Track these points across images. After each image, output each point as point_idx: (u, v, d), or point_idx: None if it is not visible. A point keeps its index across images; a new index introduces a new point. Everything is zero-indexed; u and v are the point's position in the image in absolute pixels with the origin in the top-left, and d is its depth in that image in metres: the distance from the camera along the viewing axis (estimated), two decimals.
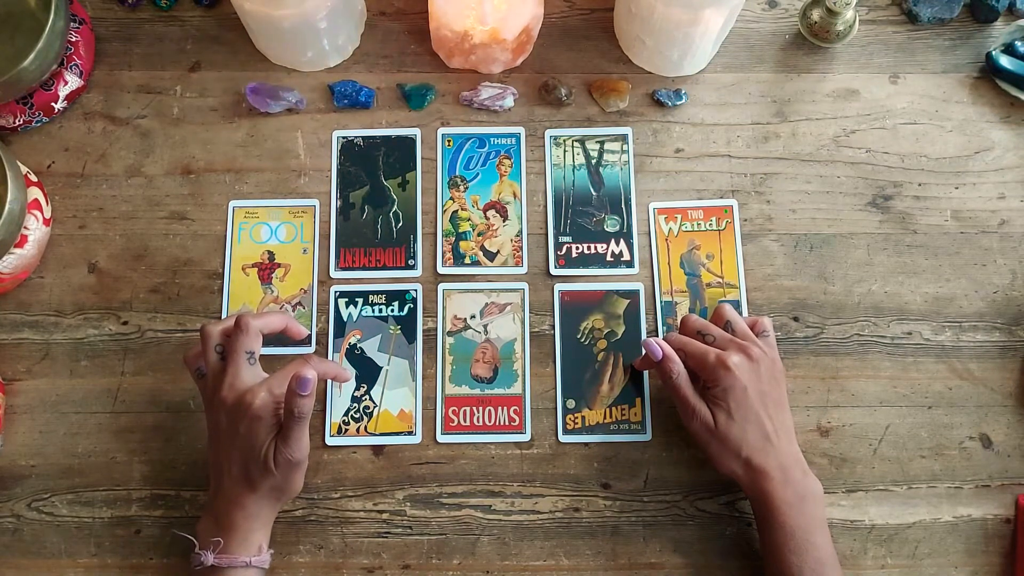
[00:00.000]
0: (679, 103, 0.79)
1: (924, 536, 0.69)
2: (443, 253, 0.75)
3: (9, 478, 0.69)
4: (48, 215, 0.73)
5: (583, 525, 0.69)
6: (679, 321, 0.70)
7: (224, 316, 0.73)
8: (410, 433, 0.70)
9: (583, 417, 0.71)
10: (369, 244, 0.75)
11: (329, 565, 0.68)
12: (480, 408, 0.71)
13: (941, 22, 0.81)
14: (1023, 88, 0.78)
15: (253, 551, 0.60)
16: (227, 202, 0.76)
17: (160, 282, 0.74)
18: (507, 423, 0.71)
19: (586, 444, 0.70)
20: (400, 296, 0.73)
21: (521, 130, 0.78)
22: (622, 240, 0.75)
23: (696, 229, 0.76)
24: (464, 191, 0.76)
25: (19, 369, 0.72)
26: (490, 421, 0.71)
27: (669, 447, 0.70)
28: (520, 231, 0.75)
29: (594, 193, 0.76)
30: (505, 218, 0.76)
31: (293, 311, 0.73)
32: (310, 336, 0.72)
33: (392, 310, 0.73)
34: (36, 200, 0.72)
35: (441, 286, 0.74)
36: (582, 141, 0.78)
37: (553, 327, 0.73)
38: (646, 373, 0.72)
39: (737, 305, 0.73)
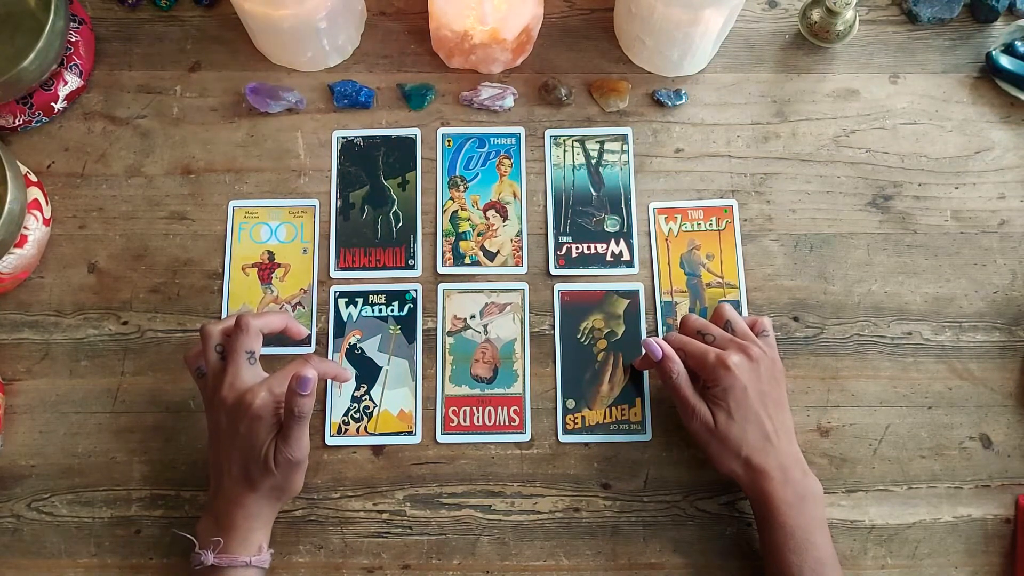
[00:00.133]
0: (679, 103, 0.79)
1: (924, 536, 0.69)
2: (443, 253, 0.75)
3: (9, 478, 0.69)
4: (48, 215, 0.73)
5: (583, 525, 0.69)
6: (679, 321, 0.70)
7: (224, 316, 0.73)
8: (410, 433, 0.70)
9: (583, 417, 0.71)
10: (369, 244, 0.75)
11: (329, 565, 0.68)
12: (480, 408, 0.71)
13: (941, 22, 0.81)
14: (1023, 88, 0.78)
15: (253, 551, 0.60)
16: (227, 202, 0.76)
17: (160, 282, 0.74)
18: (507, 423, 0.71)
19: (586, 444, 0.70)
20: (400, 296, 0.73)
21: (521, 130, 0.78)
22: (622, 240, 0.75)
23: (696, 229, 0.76)
24: (464, 191, 0.76)
25: (19, 369, 0.72)
26: (490, 421, 0.71)
27: (669, 447, 0.70)
28: (520, 231, 0.75)
29: (594, 193, 0.76)
30: (505, 218, 0.76)
31: (293, 311, 0.73)
32: (310, 336, 0.72)
33: (392, 310, 0.73)
34: (36, 200, 0.72)
35: (441, 286, 0.74)
36: (582, 141, 0.78)
37: (553, 327, 0.73)
38: (646, 373, 0.72)
39: (737, 305, 0.73)
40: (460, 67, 0.80)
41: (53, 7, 0.71)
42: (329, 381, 0.71)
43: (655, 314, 0.74)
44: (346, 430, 0.70)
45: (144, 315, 0.73)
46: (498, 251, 0.75)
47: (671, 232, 0.76)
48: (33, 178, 0.73)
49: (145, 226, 0.75)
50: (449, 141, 0.78)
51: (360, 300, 0.73)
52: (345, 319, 0.73)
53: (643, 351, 0.67)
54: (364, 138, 0.78)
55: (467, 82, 0.79)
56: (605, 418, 0.71)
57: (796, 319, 0.74)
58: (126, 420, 0.71)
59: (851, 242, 0.75)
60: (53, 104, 0.76)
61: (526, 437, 0.70)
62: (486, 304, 0.73)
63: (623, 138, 0.78)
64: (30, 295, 0.73)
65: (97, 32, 0.80)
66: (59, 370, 0.72)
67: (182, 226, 0.75)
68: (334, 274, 0.74)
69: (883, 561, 0.68)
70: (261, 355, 0.62)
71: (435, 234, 0.75)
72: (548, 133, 0.78)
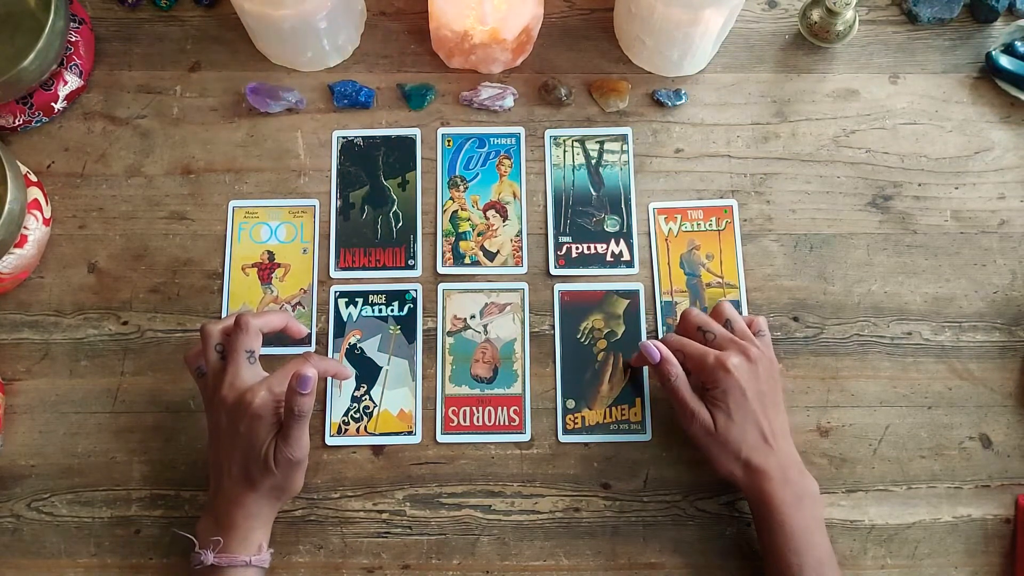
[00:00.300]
0: (679, 103, 0.79)
1: (924, 536, 0.69)
2: (443, 253, 0.75)
3: (9, 478, 0.69)
4: (48, 215, 0.73)
5: (583, 525, 0.69)
6: (679, 317, 0.70)
7: (224, 316, 0.73)
8: (410, 433, 0.70)
9: (583, 417, 0.71)
10: (369, 244, 0.75)
11: (329, 565, 0.68)
12: (480, 408, 0.71)
13: (941, 22, 0.81)
14: (1023, 88, 0.78)
15: (253, 550, 0.60)
16: (227, 202, 0.76)
17: (160, 282, 0.74)
18: (507, 423, 0.71)
19: (586, 444, 0.70)
20: (400, 296, 0.73)
21: (521, 130, 0.78)
22: (622, 240, 0.75)
23: (696, 229, 0.76)
24: (464, 191, 0.76)
25: (19, 369, 0.72)
26: (490, 421, 0.71)
27: (669, 447, 0.70)
28: (520, 231, 0.75)
29: (594, 193, 0.76)
30: (505, 218, 0.76)
31: (293, 311, 0.73)
32: (310, 335, 0.72)
33: (392, 310, 0.73)
34: (36, 200, 0.72)
35: (441, 286, 0.74)
36: (582, 141, 0.78)
37: (553, 327, 0.73)
38: (645, 372, 0.72)
39: (737, 305, 0.73)
40: (460, 67, 0.80)
41: (53, 7, 0.71)
42: (329, 381, 0.71)
43: (655, 314, 0.74)
44: (346, 430, 0.70)
45: (144, 315, 0.73)
46: (498, 251, 0.75)
47: (671, 232, 0.76)
48: (33, 178, 0.73)
49: (145, 226, 0.75)
50: (449, 141, 0.78)
51: (360, 300, 0.73)
52: (345, 319, 0.73)
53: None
54: (364, 138, 0.78)
55: (467, 82, 0.79)
56: (605, 418, 0.71)
57: (796, 319, 0.74)
58: (126, 420, 0.71)
59: (851, 242, 0.75)
60: (53, 104, 0.76)
61: (526, 437, 0.70)
62: (486, 304, 0.73)
63: (623, 138, 0.78)
64: (30, 295, 0.73)
65: (97, 32, 0.80)
66: (59, 370, 0.72)
67: (182, 226, 0.75)
68: (334, 274, 0.74)
69: (883, 561, 0.68)
70: (261, 355, 0.62)
71: (435, 234, 0.75)
72: (548, 133, 0.78)
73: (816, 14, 0.79)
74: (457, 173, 0.77)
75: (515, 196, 0.76)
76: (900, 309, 0.74)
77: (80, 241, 0.75)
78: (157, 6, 0.81)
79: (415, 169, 0.77)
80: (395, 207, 0.76)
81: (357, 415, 0.71)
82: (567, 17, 0.82)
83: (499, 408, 0.71)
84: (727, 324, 0.66)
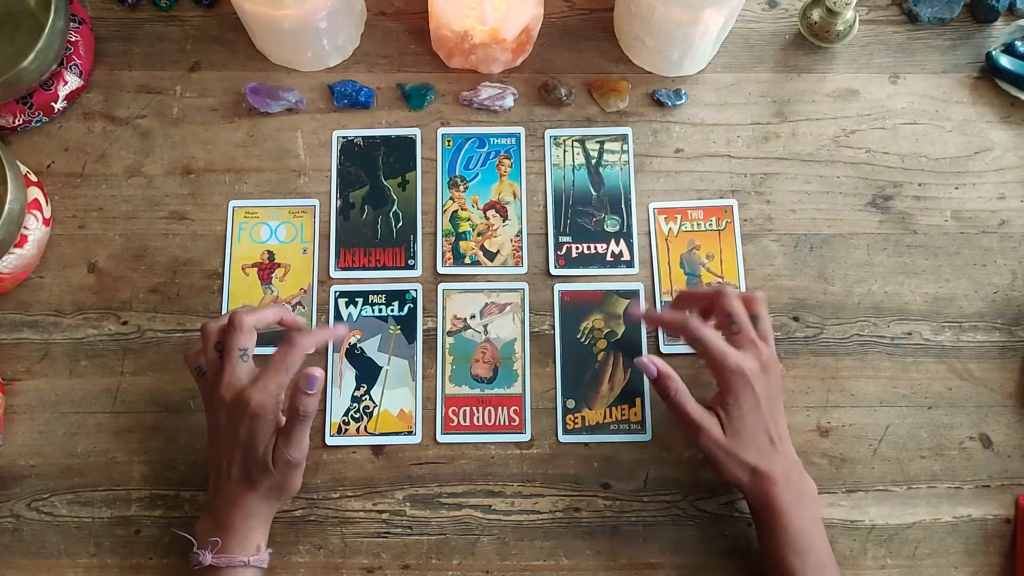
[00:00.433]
0: (679, 103, 0.79)
1: (924, 536, 0.69)
2: (443, 253, 0.75)
3: (9, 478, 0.69)
4: (48, 215, 0.73)
5: (583, 525, 0.69)
6: (710, 288, 0.67)
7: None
8: (410, 433, 0.70)
9: (583, 417, 0.71)
10: (369, 244, 0.75)
11: (329, 565, 0.67)
12: (480, 408, 0.71)
13: (941, 22, 0.81)
14: (1023, 88, 0.78)
15: (251, 551, 0.60)
16: (227, 202, 0.76)
17: (160, 282, 0.74)
18: (507, 423, 0.71)
19: (586, 444, 0.70)
20: (400, 296, 0.73)
21: (521, 130, 0.78)
22: (622, 240, 0.75)
23: (696, 229, 0.76)
24: (464, 191, 0.76)
25: (19, 369, 0.72)
26: (490, 421, 0.71)
27: (669, 447, 0.70)
28: (520, 231, 0.75)
29: (594, 193, 0.76)
30: (505, 218, 0.76)
31: (293, 311, 0.73)
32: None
33: (392, 310, 0.73)
34: (36, 200, 0.72)
35: (441, 286, 0.74)
36: (582, 141, 0.78)
37: (553, 327, 0.73)
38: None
39: None
40: (460, 67, 0.80)
41: (53, 7, 0.71)
42: (330, 381, 0.71)
43: None
44: (346, 430, 0.70)
45: (144, 315, 0.73)
46: (498, 251, 0.75)
47: (671, 232, 0.76)
48: (33, 178, 0.73)
49: (145, 226, 0.75)
50: (449, 141, 0.78)
51: (360, 300, 0.73)
52: (345, 319, 0.73)
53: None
54: (364, 138, 0.78)
55: (467, 82, 0.79)
56: (605, 418, 0.71)
57: (796, 319, 0.74)
58: (126, 420, 0.71)
59: (851, 242, 0.75)
60: (53, 104, 0.76)
61: (526, 437, 0.70)
62: (486, 304, 0.73)
63: (623, 138, 0.78)
64: (30, 295, 0.73)
65: (97, 32, 0.80)
66: (59, 370, 0.72)
67: (182, 226, 0.75)
68: (334, 274, 0.74)
69: (883, 561, 0.68)
70: (260, 355, 0.62)
71: (435, 234, 0.75)
72: (548, 133, 0.78)
73: (816, 14, 0.79)
74: (457, 173, 0.77)
75: (515, 196, 0.76)
76: (900, 309, 0.74)
77: (80, 241, 0.75)
78: (157, 6, 0.81)
79: (415, 169, 0.77)
80: (395, 207, 0.76)
81: (357, 415, 0.71)
82: (567, 17, 0.82)
83: (499, 408, 0.71)
84: (730, 321, 0.64)
